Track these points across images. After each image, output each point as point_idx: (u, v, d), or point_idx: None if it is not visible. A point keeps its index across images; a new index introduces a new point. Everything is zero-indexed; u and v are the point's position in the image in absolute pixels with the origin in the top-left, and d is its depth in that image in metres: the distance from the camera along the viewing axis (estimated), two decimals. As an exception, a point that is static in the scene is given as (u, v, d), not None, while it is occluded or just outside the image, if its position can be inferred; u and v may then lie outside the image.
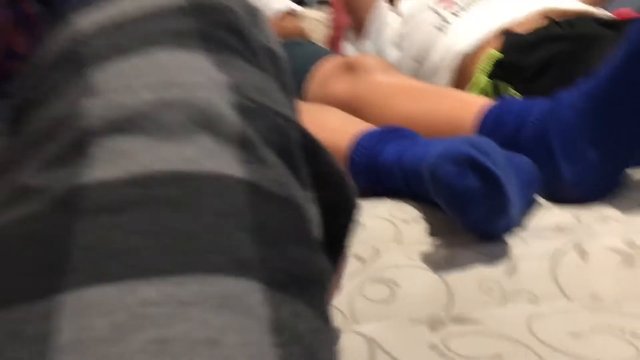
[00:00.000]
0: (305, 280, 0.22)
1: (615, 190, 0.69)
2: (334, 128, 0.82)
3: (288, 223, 0.24)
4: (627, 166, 0.70)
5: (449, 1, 1.25)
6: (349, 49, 1.45)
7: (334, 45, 1.59)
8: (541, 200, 0.70)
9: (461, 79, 1.11)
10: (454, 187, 0.54)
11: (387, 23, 1.33)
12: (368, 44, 1.36)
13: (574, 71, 0.83)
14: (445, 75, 1.12)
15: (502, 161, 0.57)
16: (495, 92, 0.96)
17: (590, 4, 1.39)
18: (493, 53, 0.98)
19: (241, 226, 0.22)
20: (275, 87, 0.31)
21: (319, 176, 0.31)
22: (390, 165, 0.72)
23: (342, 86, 1.01)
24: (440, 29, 1.19)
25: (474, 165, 0.54)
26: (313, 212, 0.28)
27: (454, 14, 1.20)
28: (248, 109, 0.26)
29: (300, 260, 0.23)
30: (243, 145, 0.25)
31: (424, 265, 0.57)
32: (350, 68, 1.02)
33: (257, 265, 0.21)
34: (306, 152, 0.31)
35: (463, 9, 1.18)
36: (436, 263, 0.58)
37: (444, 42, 1.17)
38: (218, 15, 0.30)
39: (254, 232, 0.22)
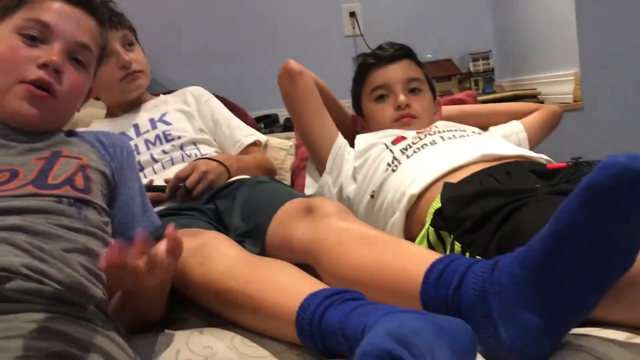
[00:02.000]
0: None
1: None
2: (284, 288, 0.85)
3: None
4: (566, 330, 0.72)
5: (402, 138, 1.34)
6: (309, 181, 1.52)
7: (298, 174, 1.66)
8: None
9: (411, 219, 1.17)
10: None
11: (346, 159, 1.41)
12: (327, 178, 1.43)
13: (508, 226, 0.89)
14: (398, 215, 1.18)
15: (428, 347, 0.60)
16: (439, 241, 1.01)
17: (531, 141, 1.50)
18: (437, 203, 1.04)
19: None
20: None
21: None
22: (333, 331, 0.74)
23: (300, 229, 1.04)
24: (392, 168, 1.27)
25: None
26: None
27: (404, 153, 1.28)
28: None
29: None
30: None
31: None
32: (309, 211, 1.07)
33: None
34: None
35: (415, 150, 1.26)
36: None
37: (395, 181, 1.24)
38: None
39: None
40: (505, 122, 1.56)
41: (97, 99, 1.60)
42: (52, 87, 0.90)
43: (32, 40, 0.91)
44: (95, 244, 0.83)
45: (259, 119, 2.35)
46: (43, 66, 0.89)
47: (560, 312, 0.69)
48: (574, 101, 2.20)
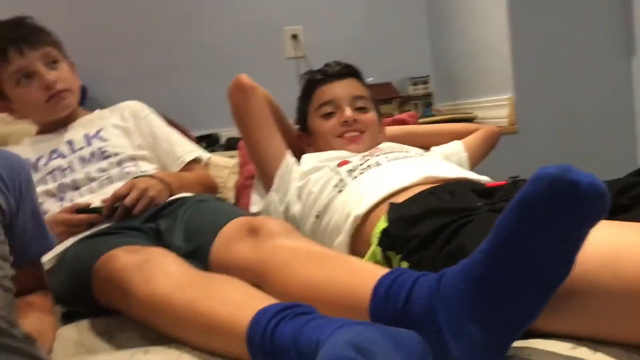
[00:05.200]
0: None
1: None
2: (234, 303, 0.83)
3: None
4: (512, 340, 0.73)
5: (347, 161, 1.34)
6: (255, 198, 1.50)
7: (242, 193, 1.63)
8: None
9: (357, 240, 1.17)
10: None
11: (294, 177, 1.40)
12: (274, 196, 1.41)
13: (453, 244, 0.90)
14: (344, 236, 1.18)
15: (387, 357, 0.60)
16: (385, 260, 1.01)
17: (472, 160, 1.54)
18: (382, 223, 1.04)
19: None
20: None
21: None
22: (286, 346, 0.72)
23: (245, 250, 1.03)
24: (339, 188, 1.27)
25: None
26: None
27: (350, 174, 1.28)
28: None
29: None
30: None
31: None
32: (254, 231, 1.05)
33: None
34: None
35: (360, 172, 1.27)
36: None
37: (340, 202, 1.24)
38: None
39: None
40: (446, 142, 1.59)
41: (24, 118, 1.54)
42: None
43: None
44: None
45: (200, 139, 2.32)
46: None
47: (505, 322, 0.70)
48: (509, 125, 2.29)
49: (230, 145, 2.30)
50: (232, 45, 2.68)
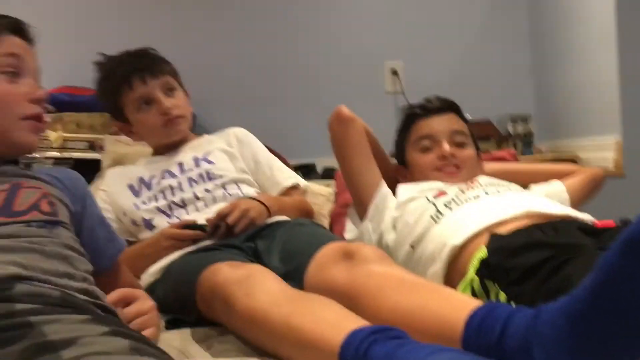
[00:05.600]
0: None
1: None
2: (329, 322, 0.85)
3: None
4: None
5: (444, 192, 1.35)
6: (349, 226, 1.53)
7: (336, 221, 1.67)
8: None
9: (452, 270, 1.17)
10: None
11: (388, 207, 1.42)
12: (368, 224, 1.44)
13: (557, 279, 0.89)
14: (439, 265, 1.18)
15: None
16: (483, 290, 1.01)
17: (573, 203, 1.49)
18: (481, 252, 1.04)
19: None
20: None
21: None
22: None
23: (339, 273, 1.05)
24: (434, 219, 1.28)
25: None
26: None
27: (447, 206, 1.29)
28: None
29: None
30: None
31: None
32: (348, 256, 1.07)
33: None
34: None
35: (457, 204, 1.27)
36: None
37: (437, 232, 1.25)
38: None
39: None
40: (545, 182, 1.56)
41: (142, 140, 1.67)
42: (43, 117, 1.00)
43: (13, 76, 0.98)
44: (71, 254, 0.87)
45: (297, 168, 2.39)
46: (35, 101, 0.99)
47: None
48: (615, 168, 2.18)
49: (326, 174, 2.36)
50: (333, 77, 2.77)
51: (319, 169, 2.56)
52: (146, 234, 1.44)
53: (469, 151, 1.51)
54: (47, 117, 1.04)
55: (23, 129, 0.98)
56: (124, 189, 1.53)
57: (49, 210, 0.90)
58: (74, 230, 0.95)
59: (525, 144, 2.68)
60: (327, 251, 1.13)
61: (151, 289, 1.23)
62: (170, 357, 0.63)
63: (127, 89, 1.54)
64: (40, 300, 0.69)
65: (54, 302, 0.71)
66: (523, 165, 1.74)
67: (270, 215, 1.42)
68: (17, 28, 1.00)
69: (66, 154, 2.21)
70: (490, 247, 1.04)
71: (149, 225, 1.46)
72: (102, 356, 0.57)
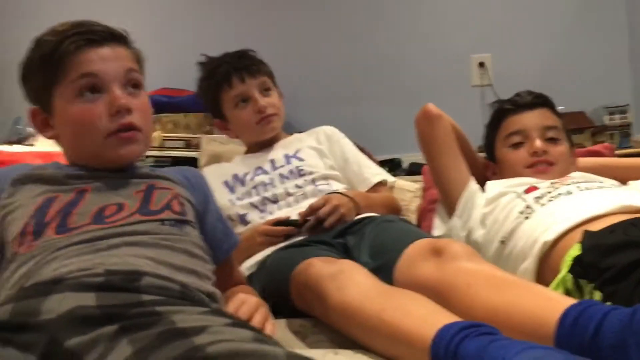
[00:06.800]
0: None
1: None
2: (419, 317, 0.88)
3: None
4: None
5: (535, 187, 1.33)
6: (437, 223, 1.54)
7: (423, 217, 1.68)
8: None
9: (544, 266, 1.15)
10: None
11: (477, 204, 1.41)
12: (456, 221, 1.44)
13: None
14: (530, 261, 1.17)
15: None
16: (577, 288, 0.99)
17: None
18: (575, 250, 1.02)
19: None
20: None
21: None
22: None
23: (428, 270, 1.07)
24: (525, 215, 1.26)
25: None
26: None
27: (538, 201, 1.27)
28: None
29: None
30: None
31: None
32: (438, 252, 1.09)
33: None
34: None
35: (549, 199, 1.25)
36: None
37: (527, 228, 1.23)
38: None
39: None
40: None
41: (237, 137, 1.75)
42: (133, 123, 0.99)
43: (92, 94, 0.97)
44: (198, 252, 0.93)
45: (382, 163, 2.41)
46: (117, 113, 0.97)
47: None
48: None
49: (413, 170, 2.36)
50: (418, 71, 2.76)
51: (405, 164, 2.57)
52: (241, 229, 1.52)
53: (562, 147, 1.48)
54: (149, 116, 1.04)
55: (110, 147, 0.97)
56: (219, 185, 1.61)
57: (179, 210, 0.97)
58: (198, 227, 1.02)
59: (622, 135, 2.56)
60: (416, 247, 1.15)
61: (248, 282, 1.30)
62: (289, 351, 0.63)
63: (226, 87, 1.63)
64: (164, 293, 0.76)
65: (176, 295, 0.77)
66: (621, 160, 1.67)
67: (359, 211, 1.45)
68: (89, 40, 0.97)
69: (165, 153, 2.36)
70: (584, 245, 1.02)
71: (243, 220, 1.53)
72: (233, 343, 0.60)
